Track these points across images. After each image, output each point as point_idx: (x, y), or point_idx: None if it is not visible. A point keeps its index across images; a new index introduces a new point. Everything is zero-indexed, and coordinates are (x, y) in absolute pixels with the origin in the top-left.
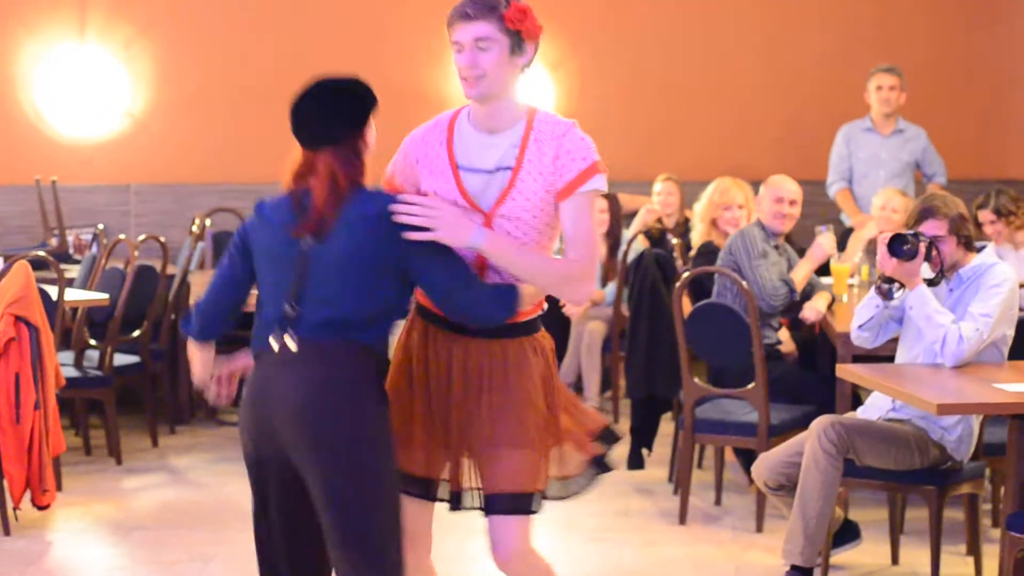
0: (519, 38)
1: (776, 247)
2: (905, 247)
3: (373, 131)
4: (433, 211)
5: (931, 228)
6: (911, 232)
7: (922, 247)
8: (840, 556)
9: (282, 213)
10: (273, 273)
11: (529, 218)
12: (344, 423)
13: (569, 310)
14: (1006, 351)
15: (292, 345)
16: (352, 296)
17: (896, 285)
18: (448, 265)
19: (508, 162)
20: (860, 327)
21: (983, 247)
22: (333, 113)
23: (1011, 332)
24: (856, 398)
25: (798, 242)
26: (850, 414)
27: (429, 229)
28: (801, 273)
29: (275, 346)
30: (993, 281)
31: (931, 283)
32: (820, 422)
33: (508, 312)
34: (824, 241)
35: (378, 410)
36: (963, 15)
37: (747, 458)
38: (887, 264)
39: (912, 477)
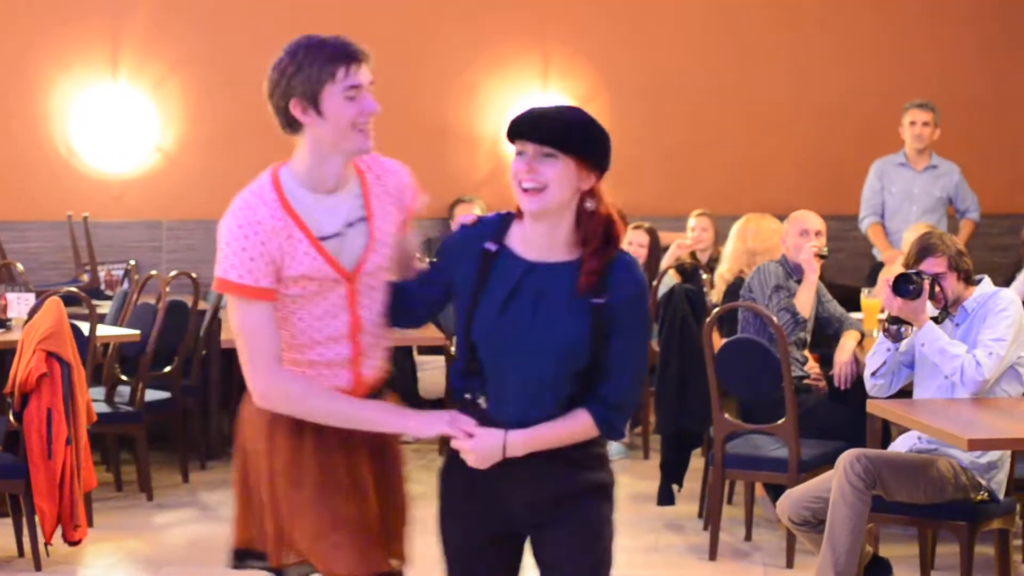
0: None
1: (800, 281)
2: (911, 287)
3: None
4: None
5: (931, 266)
6: (914, 271)
7: (926, 285)
8: None
9: None
10: None
11: (387, 264)
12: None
13: None
14: (1023, 372)
15: None
16: None
17: (904, 325)
18: None
19: (358, 214)
20: (874, 375)
21: (981, 279)
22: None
23: None
24: (887, 433)
25: (826, 276)
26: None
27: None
28: (803, 295)
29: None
30: (999, 307)
31: (936, 320)
32: (847, 456)
33: None
34: (804, 259)
35: None
36: (993, 50)
37: (777, 494)
38: (893, 304)
39: (942, 512)
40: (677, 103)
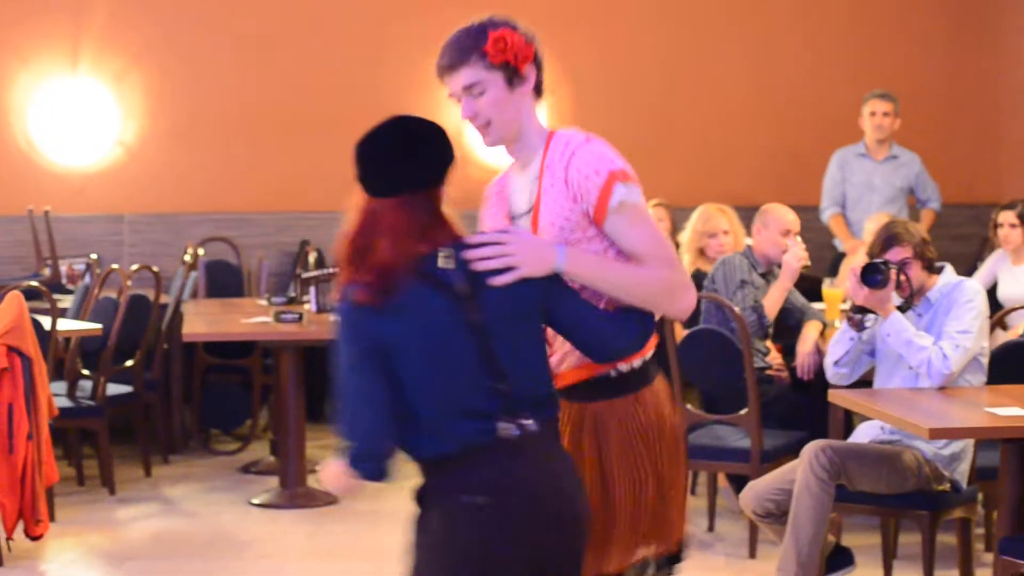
0: (511, 68)
1: (764, 274)
2: (878, 276)
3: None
4: (508, 247)
5: (897, 255)
6: (881, 261)
7: (892, 274)
8: None
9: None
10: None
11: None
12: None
13: None
14: (985, 361)
15: (533, 425)
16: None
17: (868, 315)
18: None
19: (528, 202)
20: (836, 363)
21: (942, 267)
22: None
23: (987, 344)
24: (849, 423)
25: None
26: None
27: (512, 268)
28: (773, 297)
29: (510, 432)
30: (964, 298)
31: (900, 309)
32: (811, 447)
33: (638, 342)
34: (790, 257)
35: None
36: (953, 40)
37: (740, 484)
38: (859, 294)
39: (905, 502)
40: (639, 94)
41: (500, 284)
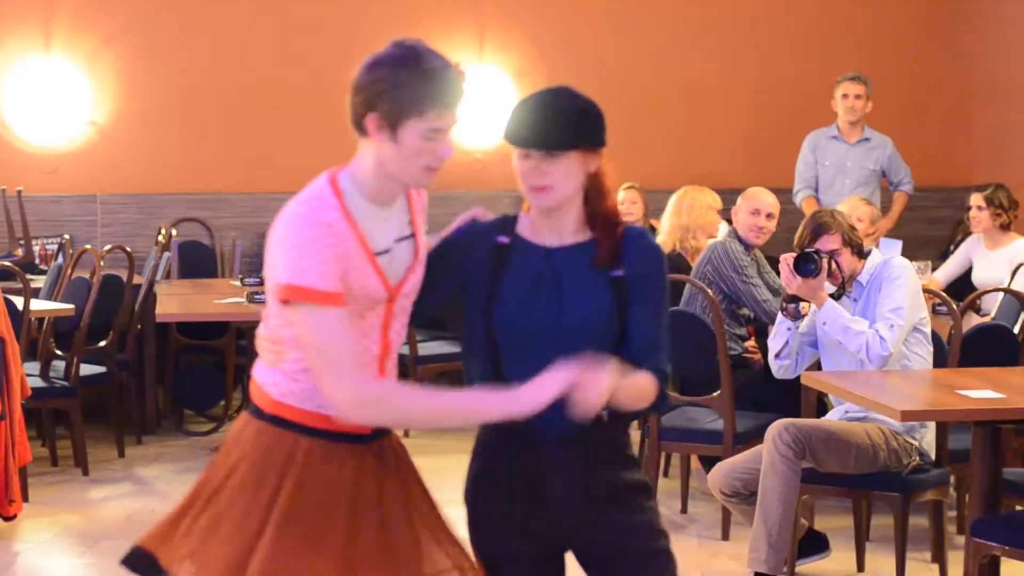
0: None
1: (748, 256)
2: (811, 266)
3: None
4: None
5: (826, 243)
6: (812, 250)
7: (824, 263)
8: (806, 565)
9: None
10: None
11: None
12: None
13: None
14: (928, 330)
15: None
16: None
17: (802, 303)
18: None
19: (405, 230)
20: (777, 356)
21: (870, 251)
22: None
23: (925, 314)
24: (822, 405)
25: (763, 249)
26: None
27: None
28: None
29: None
30: (893, 275)
31: (834, 297)
32: (775, 426)
33: None
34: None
35: None
36: (927, 24)
37: (712, 466)
38: (792, 284)
39: (876, 483)
40: (614, 77)
41: None
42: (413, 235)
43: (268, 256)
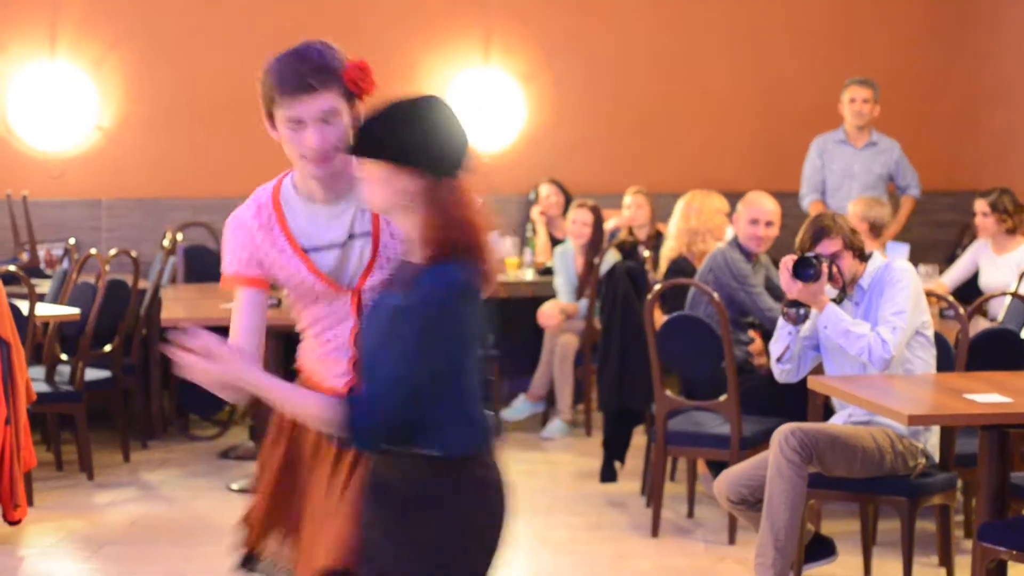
0: (355, 98)
1: (751, 263)
2: (810, 270)
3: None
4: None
5: (827, 247)
6: (812, 255)
7: (824, 267)
8: (813, 569)
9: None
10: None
11: None
12: None
13: (543, 322)
14: (931, 334)
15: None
16: None
17: (803, 308)
18: None
19: (363, 227)
20: (779, 361)
21: (871, 254)
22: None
23: (928, 317)
24: (828, 410)
25: (770, 253)
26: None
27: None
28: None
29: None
30: (894, 279)
31: (835, 301)
32: (781, 430)
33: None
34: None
35: None
36: (934, 27)
37: (719, 470)
38: (792, 288)
39: (883, 488)
40: (621, 80)
41: None
42: (372, 233)
43: None
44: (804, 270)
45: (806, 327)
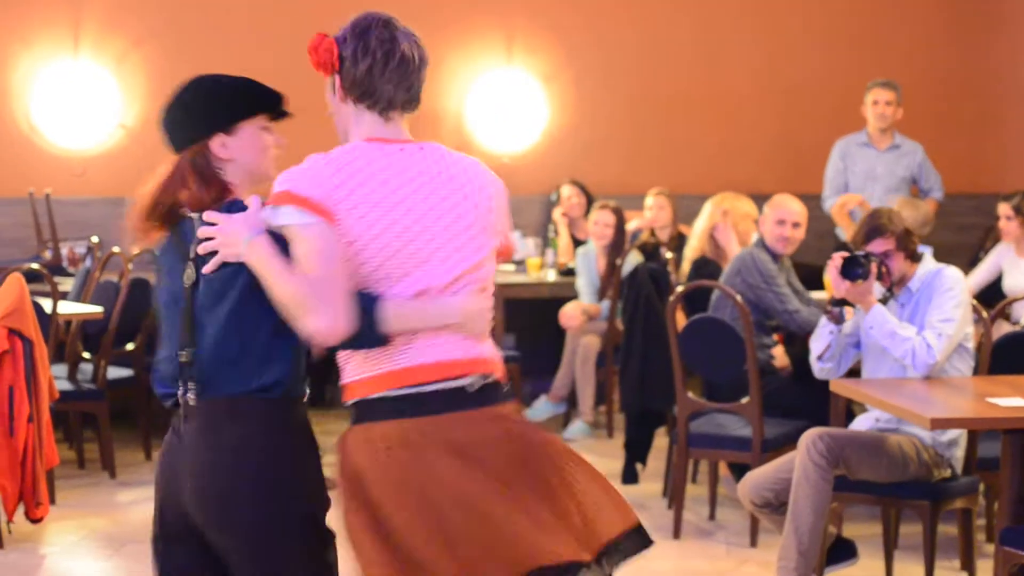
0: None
1: (776, 264)
2: (859, 270)
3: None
4: (216, 230)
5: (879, 246)
6: (862, 254)
7: (873, 267)
8: (834, 572)
9: None
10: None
11: None
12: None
13: (565, 323)
14: (971, 345)
15: (191, 400)
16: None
17: (846, 307)
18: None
19: None
20: (820, 358)
21: (922, 253)
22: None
23: (971, 329)
24: (850, 413)
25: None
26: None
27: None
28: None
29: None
30: (945, 286)
31: (881, 301)
32: (809, 435)
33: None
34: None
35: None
36: (956, 29)
37: (741, 472)
38: (840, 287)
39: (905, 491)
40: (643, 81)
41: (207, 272)
42: None
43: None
44: (853, 269)
45: (848, 324)
